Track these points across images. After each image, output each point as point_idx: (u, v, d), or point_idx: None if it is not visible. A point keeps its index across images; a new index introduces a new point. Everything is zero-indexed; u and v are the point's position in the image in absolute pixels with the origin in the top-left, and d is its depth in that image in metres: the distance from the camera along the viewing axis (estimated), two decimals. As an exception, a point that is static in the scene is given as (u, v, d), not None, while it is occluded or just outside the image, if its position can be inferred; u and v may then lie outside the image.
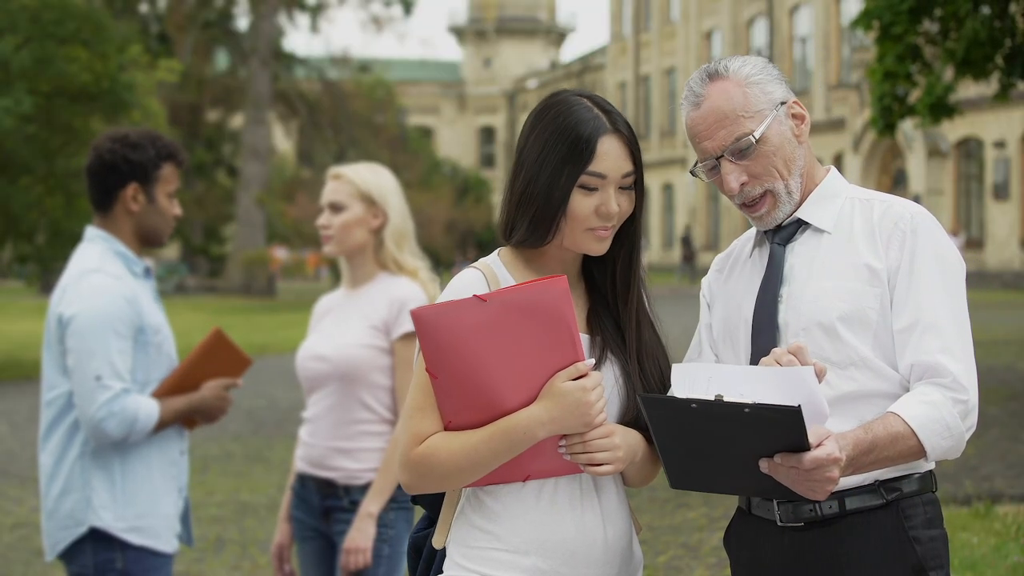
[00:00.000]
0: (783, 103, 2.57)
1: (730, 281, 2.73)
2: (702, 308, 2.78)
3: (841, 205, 2.62)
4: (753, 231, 2.71)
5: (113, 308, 3.76)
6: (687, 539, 7.62)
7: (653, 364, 2.57)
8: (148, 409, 3.78)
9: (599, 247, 2.53)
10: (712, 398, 2.22)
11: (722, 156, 2.55)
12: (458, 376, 2.40)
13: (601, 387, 2.42)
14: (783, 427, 2.18)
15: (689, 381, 2.34)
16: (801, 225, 2.62)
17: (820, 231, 2.60)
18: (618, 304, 2.59)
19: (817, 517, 2.51)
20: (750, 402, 2.19)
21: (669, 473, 2.37)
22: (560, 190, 2.48)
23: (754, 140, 2.53)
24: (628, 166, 2.51)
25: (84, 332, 3.73)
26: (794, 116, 2.60)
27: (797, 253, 2.61)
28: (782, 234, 2.63)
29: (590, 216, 2.49)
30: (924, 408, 2.40)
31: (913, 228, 2.54)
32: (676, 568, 6.95)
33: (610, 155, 2.49)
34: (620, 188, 2.51)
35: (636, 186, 2.55)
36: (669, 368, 2.55)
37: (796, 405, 2.15)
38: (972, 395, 2.44)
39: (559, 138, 2.49)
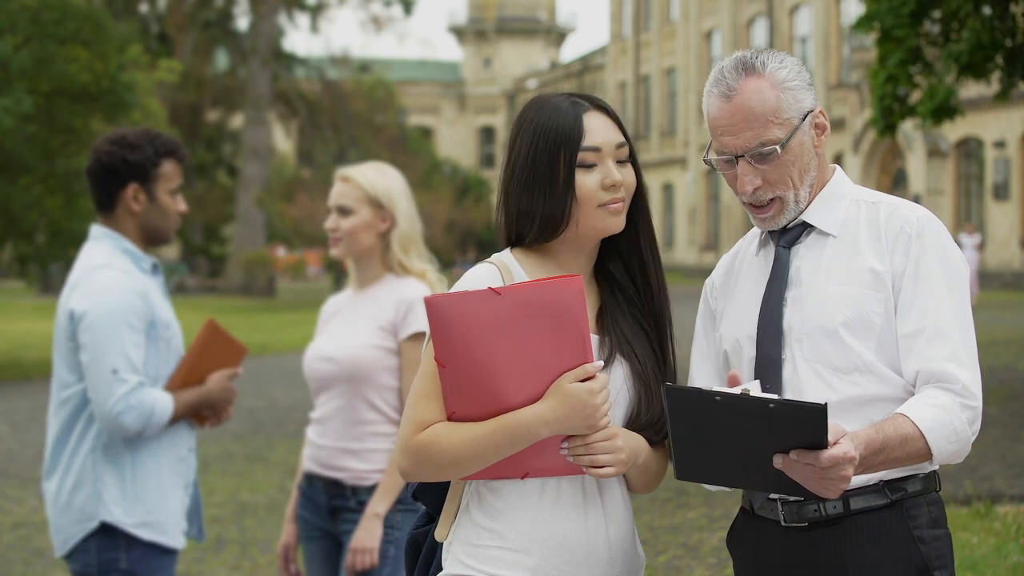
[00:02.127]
0: (810, 112, 2.55)
1: (736, 282, 2.71)
2: (701, 306, 2.77)
3: (847, 208, 2.61)
4: (757, 230, 2.70)
5: (125, 302, 3.77)
6: (687, 539, 7.61)
7: (675, 347, 2.59)
8: (163, 402, 3.80)
9: (616, 221, 2.52)
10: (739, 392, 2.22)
11: (742, 156, 2.54)
12: (466, 367, 2.40)
13: (607, 390, 2.42)
14: (805, 424, 2.18)
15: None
16: (806, 228, 2.61)
17: (825, 234, 2.59)
18: (642, 290, 2.59)
19: (821, 517, 2.51)
20: (775, 397, 2.19)
21: (676, 464, 2.37)
22: (563, 175, 2.48)
23: (779, 150, 2.51)
24: (619, 137, 2.52)
25: (97, 327, 3.74)
26: (817, 126, 2.58)
27: (802, 256, 2.60)
28: (787, 237, 2.62)
29: (597, 192, 2.49)
30: (933, 412, 2.40)
31: (919, 232, 2.53)
32: (676, 568, 6.95)
33: (599, 128, 2.50)
34: (618, 162, 2.51)
35: (631, 161, 2.55)
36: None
37: (823, 403, 2.16)
38: (979, 401, 2.45)
39: (545, 129, 2.49)
